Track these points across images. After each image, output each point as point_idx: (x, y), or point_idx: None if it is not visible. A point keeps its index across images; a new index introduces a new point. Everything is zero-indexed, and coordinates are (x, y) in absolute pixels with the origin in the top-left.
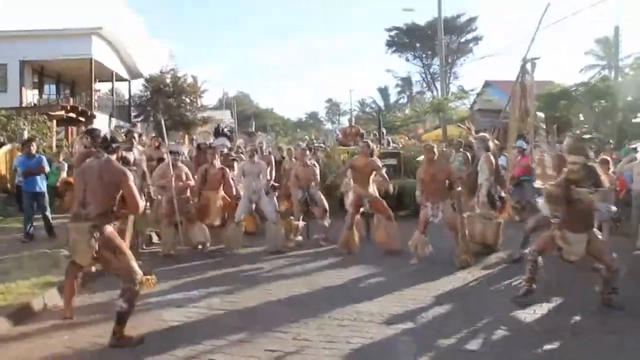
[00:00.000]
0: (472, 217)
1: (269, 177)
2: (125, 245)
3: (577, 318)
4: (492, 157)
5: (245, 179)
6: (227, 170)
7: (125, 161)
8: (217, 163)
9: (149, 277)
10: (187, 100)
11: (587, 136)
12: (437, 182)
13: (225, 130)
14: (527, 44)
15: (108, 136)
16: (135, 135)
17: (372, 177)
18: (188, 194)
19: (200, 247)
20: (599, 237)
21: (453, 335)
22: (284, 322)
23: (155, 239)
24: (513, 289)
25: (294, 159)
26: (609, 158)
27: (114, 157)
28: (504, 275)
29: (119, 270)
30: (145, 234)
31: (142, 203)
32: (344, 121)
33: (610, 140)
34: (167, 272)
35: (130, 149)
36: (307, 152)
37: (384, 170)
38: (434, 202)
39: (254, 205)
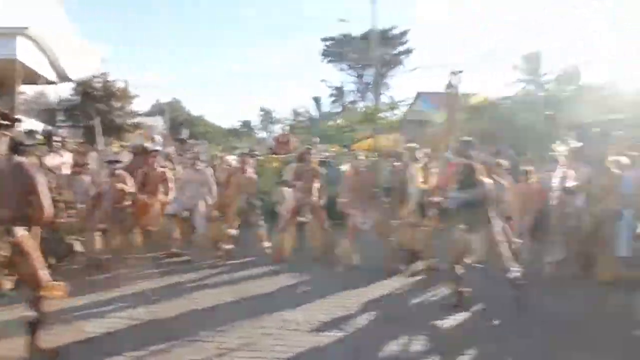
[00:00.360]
0: (402, 224)
1: (212, 186)
2: (36, 251)
3: (496, 322)
4: (420, 167)
5: (185, 190)
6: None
7: (40, 164)
8: (159, 167)
9: (57, 283)
10: (117, 105)
11: (466, 139)
12: (364, 190)
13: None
14: (457, 58)
15: (17, 139)
16: (58, 139)
17: (314, 184)
18: (125, 202)
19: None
20: (498, 236)
21: (378, 342)
22: (208, 331)
23: (79, 247)
24: (438, 295)
25: (226, 166)
26: (528, 169)
27: (24, 159)
28: (430, 282)
29: (26, 276)
30: (68, 242)
31: (50, 209)
32: (277, 129)
33: (527, 152)
34: (90, 281)
35: (48, 153)
36: (250, 160)
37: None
38: (363, 210)
39: (186, 212)
